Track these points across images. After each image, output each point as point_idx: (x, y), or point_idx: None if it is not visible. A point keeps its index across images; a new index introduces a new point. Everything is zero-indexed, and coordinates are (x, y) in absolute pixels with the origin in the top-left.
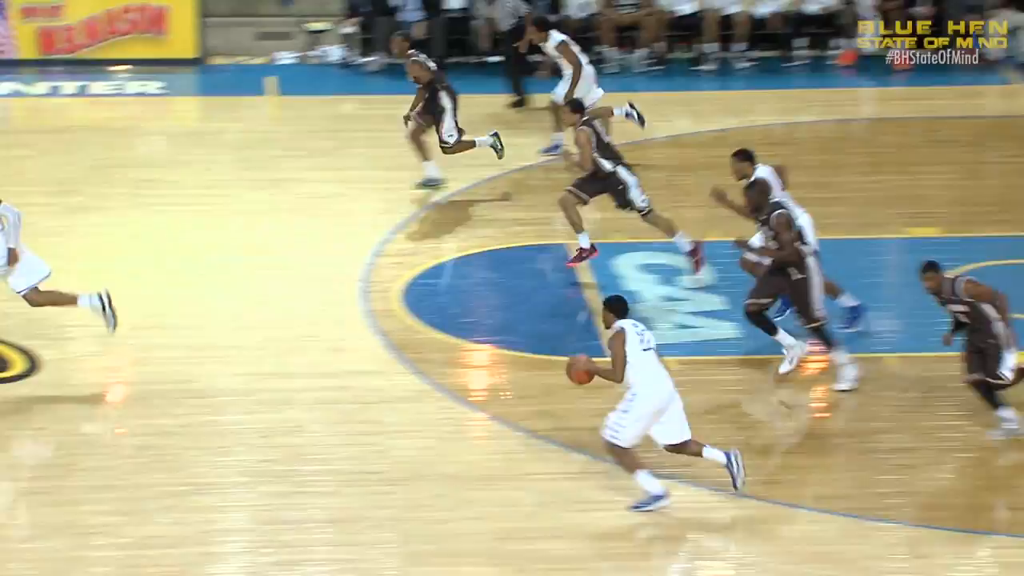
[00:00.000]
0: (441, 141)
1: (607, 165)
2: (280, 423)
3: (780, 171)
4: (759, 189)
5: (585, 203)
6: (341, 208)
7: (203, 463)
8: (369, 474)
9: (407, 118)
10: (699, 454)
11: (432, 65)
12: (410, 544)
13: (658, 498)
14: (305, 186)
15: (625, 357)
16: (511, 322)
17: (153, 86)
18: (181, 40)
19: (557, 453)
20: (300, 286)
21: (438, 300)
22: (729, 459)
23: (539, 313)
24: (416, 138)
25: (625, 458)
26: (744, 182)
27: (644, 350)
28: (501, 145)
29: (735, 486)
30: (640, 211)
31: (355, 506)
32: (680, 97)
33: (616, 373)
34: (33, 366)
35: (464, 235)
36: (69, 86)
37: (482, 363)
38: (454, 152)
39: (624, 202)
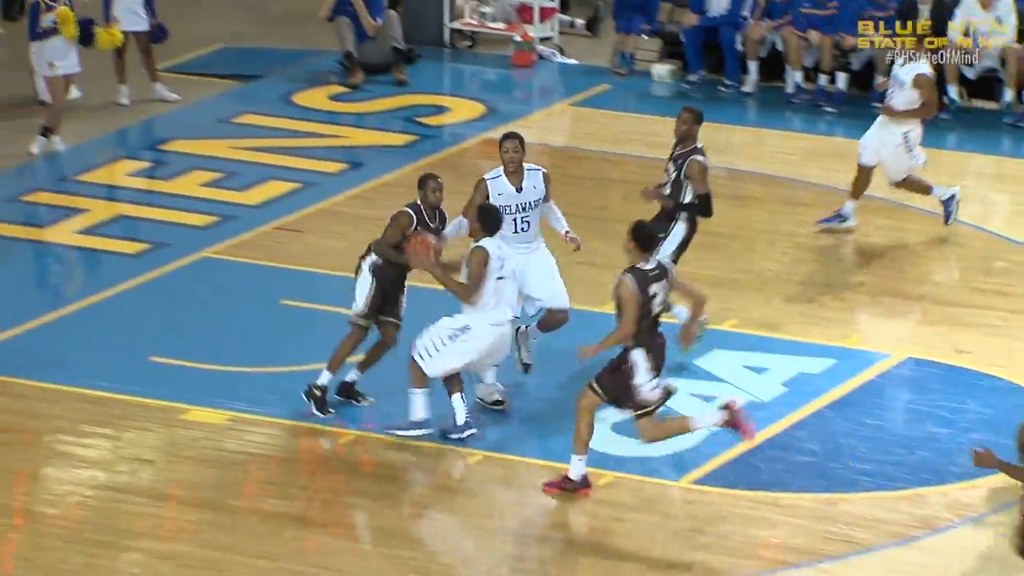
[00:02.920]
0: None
1: None
2: None
3: None
4: None
5: None
6: None
7: None
8: None
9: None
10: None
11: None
12: None
13: (421, 425)
14: None
15: (483, 278)
16: None
17: None
18: None
19: None
20: None
21: None
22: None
23: None
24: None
25: (418, 373)
26: None
27: (499, 278)
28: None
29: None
30: None
31: None
32: None
33: (466, 291)
34: None
35: None
36: None
37: None
38: None
39: None
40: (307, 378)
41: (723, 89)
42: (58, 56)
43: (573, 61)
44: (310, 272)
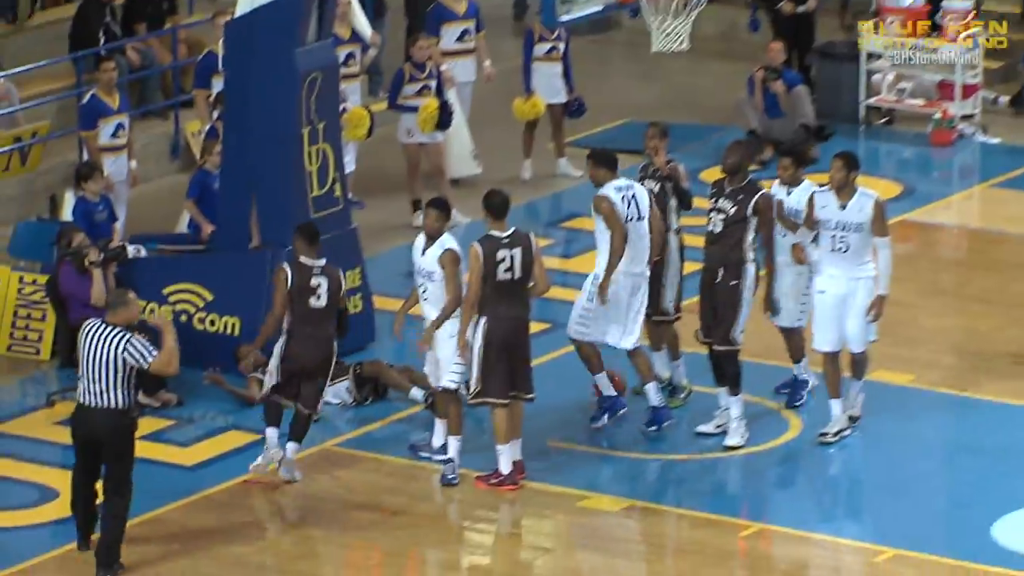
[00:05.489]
0: None
1: None
2: None
3: None
4: None
5: None
6: None
7: None
8: None
9: None
10: None
11: None
12: None
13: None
14: None
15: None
16: None
17: None
18: None
19: None
20: None
21: None
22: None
23: None
24: None
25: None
26: None
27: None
28: None
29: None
30: None
31: None
32: None
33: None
34: None
35: None
36: None
37: None
38: None
39: None
40: (709, 467)
41: None
42: (416, 125)
43: (996, 140)
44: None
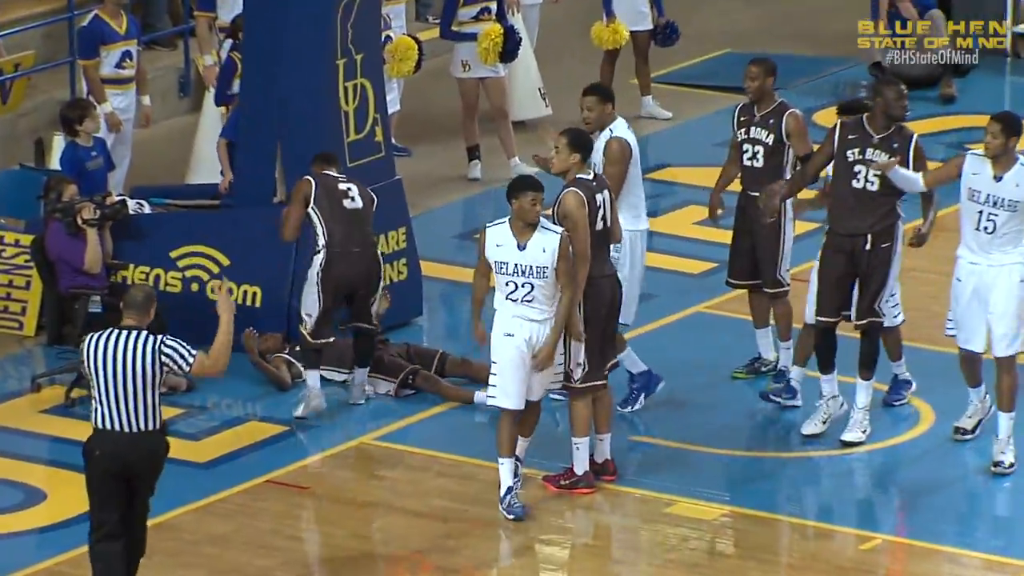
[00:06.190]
0: None
1: None
2: None
3: None
4: None
5: None
6: None
7: None
8: None
9: None
10: None
11: None
12: None
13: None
14: None
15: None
16: None
17: None
18: None
19: None
20: None
21: None
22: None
23: None
24: None
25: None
26: None
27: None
28: None
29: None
30: None
31: None
32: None
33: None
34: None
35: None
36: None
37: None
38: None
39: None
40: (822, 467)
41: None
42: (474, 56)
43: None
44: None
